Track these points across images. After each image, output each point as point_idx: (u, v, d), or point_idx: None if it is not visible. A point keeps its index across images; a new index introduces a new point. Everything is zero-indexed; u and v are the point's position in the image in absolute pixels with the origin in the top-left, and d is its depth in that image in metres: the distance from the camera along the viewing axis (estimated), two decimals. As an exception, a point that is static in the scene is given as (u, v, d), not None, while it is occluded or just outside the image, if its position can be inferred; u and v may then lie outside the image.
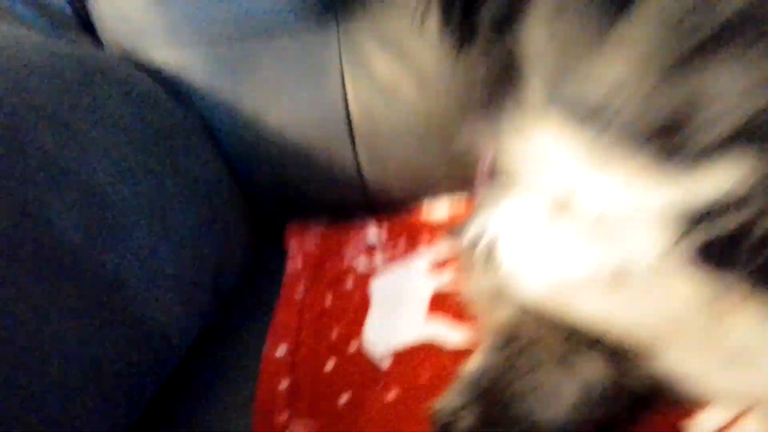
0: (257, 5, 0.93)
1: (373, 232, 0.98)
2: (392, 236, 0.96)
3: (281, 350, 0.73)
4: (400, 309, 0.76)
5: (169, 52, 0.98)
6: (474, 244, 0.58)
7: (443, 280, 0.81)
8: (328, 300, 0.81)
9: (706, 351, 0.50)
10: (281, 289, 0.85)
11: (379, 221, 1.00)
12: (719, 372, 0.51)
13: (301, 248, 0.96)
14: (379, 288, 0.83)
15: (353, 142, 0.98)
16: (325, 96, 0.95)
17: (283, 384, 0.67)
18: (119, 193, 0.71)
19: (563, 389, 0.51)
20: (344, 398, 0.65)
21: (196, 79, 0.98)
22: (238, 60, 0.96)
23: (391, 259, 0.91)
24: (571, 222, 0.49)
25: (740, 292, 0.46)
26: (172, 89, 0.97)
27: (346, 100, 0.96)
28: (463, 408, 0.53)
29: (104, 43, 1.01)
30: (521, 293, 0.54)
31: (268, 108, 0.97)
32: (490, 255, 0.56)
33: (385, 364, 0.69)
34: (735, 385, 0.51)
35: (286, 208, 1.06)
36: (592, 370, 0.51)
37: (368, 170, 1.00)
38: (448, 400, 0.54)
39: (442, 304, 0.76)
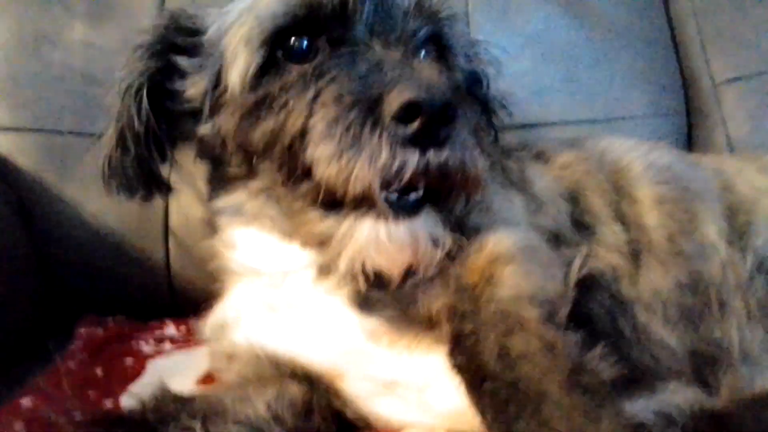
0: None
1: (170, 328, 1.03)
2: (188, 334, 1.00)
3: (26, 401, 0.75)
4: (171, 380, 0.82)
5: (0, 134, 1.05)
6: (215, 323, 0.76)
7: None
8: (99, 372, 0.85)
9: (367, 381, 0.66)
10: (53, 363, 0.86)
11: (178, 323, 1.04)
12: (379, 399, 0.66)
13: (87, 334, 0.98)
14: (157, 365, 0.89)
15: (166, 239, 1.07)
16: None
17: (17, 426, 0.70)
18: None
19: (273, 402, 0.68)
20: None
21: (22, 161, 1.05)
22: (67, 148, 1.05)
23: (178, 348, 0.97)
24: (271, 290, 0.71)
25: (387, 333, 0.64)
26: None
27: (167, 202, 1.07)
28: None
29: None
30: (247, 347, 0.71)
31: (89, 196, 1.04)
32: (224, 327, 0.74)
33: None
34: (392, 411, 0.66)
35: (92, 295, 1.08)
36: (294, 391, 0.69)
37: (178, 267, 1.08)
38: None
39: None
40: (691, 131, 1.22)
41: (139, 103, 0.69)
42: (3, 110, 1.07)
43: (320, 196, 0.57)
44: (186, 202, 1.07)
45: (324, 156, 0.54)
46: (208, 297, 0.81)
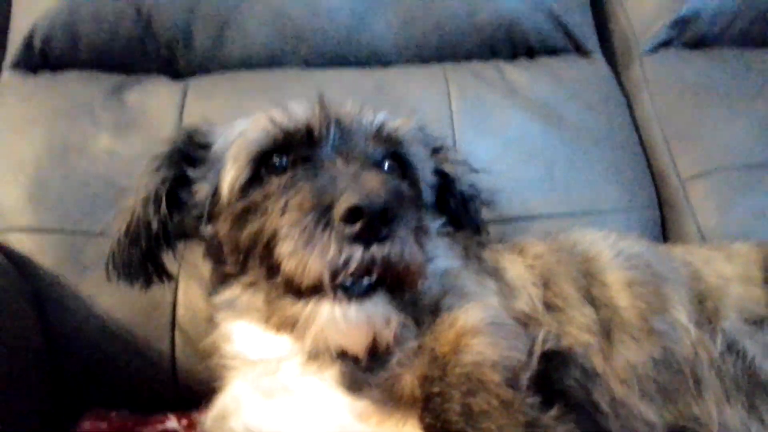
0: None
1: (172, 422, 1.05)
2: (190, 428, 1.03)
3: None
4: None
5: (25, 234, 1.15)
6: (215, 414, 0.82)
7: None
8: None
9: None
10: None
11: (180, 416, 1.06)
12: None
13: (91, 428, 1.02)
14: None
15: (173, 333, 1.12)
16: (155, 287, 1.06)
17: None
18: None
19: None
20: None
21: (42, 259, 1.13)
22: (85, 248, 1.13)
23: (182, 440, 1.00)
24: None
25: (375, 414, 0.69)
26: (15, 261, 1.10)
27: (175, 294, 1.13)
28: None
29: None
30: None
31: (102, 292, 1.11)
32: (224, 417, 0.80)
33: None
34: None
35: (97, 388, 1.12)
36: None
37: (183, 361, 1.12)
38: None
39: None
40: (664, 223, 1.30)
41: (158, 207, 0.81)
42: (29, 213, 1.17)
43: (286, 285, 0.67)
44: (193, 296, 1.14)
45: (286, 252, 0.65)
46: (211, 390, 0.85)
